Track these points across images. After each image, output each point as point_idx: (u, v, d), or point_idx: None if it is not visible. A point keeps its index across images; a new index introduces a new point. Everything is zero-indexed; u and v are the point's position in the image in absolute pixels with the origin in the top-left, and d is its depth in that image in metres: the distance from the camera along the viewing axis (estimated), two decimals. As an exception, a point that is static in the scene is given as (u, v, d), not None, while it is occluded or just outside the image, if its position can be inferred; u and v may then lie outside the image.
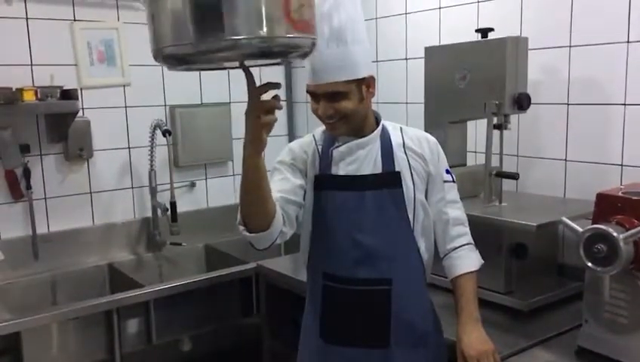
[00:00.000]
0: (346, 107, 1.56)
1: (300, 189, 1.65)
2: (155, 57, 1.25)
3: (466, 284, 1.65)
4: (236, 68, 1.30)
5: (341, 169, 1.65)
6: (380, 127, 1.68)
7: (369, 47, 1.63)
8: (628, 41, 2.03)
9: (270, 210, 1.48)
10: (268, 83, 1.29)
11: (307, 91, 1.62)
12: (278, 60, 1.34)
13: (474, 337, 1.57)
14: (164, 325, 2.47)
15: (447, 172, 1.73)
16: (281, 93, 3.53)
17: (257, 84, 1.30)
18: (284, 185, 1.62)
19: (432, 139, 1.73)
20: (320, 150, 1.68)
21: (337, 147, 1.66)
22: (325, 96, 1.56)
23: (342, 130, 1.62)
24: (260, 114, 1.29)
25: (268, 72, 1.49)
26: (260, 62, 1.33)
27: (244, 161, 1.39)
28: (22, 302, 2.56)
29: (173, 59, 1.23)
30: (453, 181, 1.74)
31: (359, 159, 1.64)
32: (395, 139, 1.68)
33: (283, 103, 3.51)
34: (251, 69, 1.31)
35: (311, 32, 1.24)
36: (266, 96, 1.30)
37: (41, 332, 2.21)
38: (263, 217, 1.48)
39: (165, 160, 2.96)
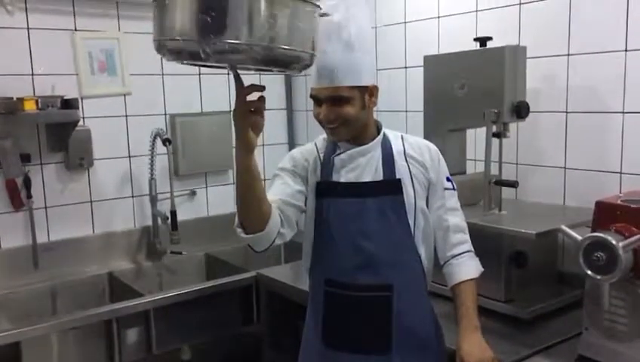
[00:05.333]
0: (348, 113, 1.58)
1: (300, 194, 1.66)
2: (158, 49, 1.28)
3: (466, 292, 1.65)
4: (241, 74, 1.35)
5: (342, 176, 1.66)
6: (380, 135, 1.69)
7: (374, 57, 1.65)
8: (626, 50, 2.04)
9: (265, 211, 1.50)
10: (252, 85, 1.35)
11: (311, 95, 1.63)
12: (280, 70, 1.38)
13: (474, 345, 1.57)
14: (164, 334, 2.47)
15: (448, 180, 1.74)
16: (281, 101, 3.57)
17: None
18: (285, 189, 1.64)
19: (433, 147, 1.74)
20: (321, 157, 1.70)
21: (338, 154, 1.67)
22: (328, 101, 1.58)
23: (342, 135, 1.63)
24: (245, 114, 1.34)
25: (268, 80, 1.51)
26: (261, 67, 1.37)
27: (236, 162, 1.43)
28: (22, 312, 2.55)
29: (176, 52, 1.26)
30: (454, 189, 1.75)
31: (360, 166, 1.66)
32: (396, 146, 1.69)
33: (284, 112, 3.53)
34: (251, 76, 1.34)
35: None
36: (252, 98, 1.36)
37: (40, 341, 2.21)
38: (258, 218, 1.50)
39: (165, 168, 2.97)
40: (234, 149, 1.43)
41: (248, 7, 1.18)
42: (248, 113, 1.35)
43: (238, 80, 1.35)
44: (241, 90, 1.35)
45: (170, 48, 1.25)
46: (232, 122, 1.38)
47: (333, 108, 1.58)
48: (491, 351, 1.57)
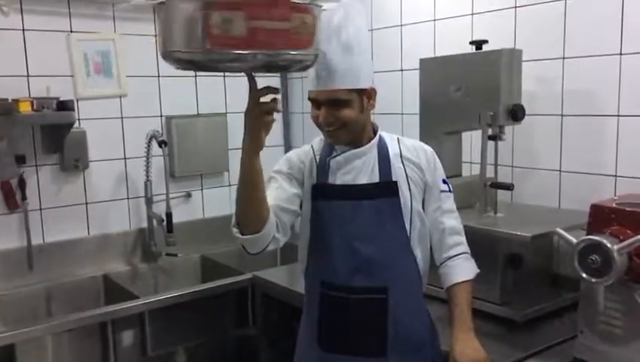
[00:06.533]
0: (348, 115, 1.58)
1: (295, 198, 1.66)
2: (164, 58, 1.30)
3: (461, 293, 1.66)
4: (238, 76, 1.38)
5: (338, 178, 1.66)
6: (376, 138, 1.69)
7: (371, 60, 1.66)
8: (621, 53, 2.05)
9: (264, 213, 1.51)
10: (268, 87, 1.37)
11: (309, 98, 1.63)
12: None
13: (467, 346, 1.57)
14: (159, 336, 2.46)
15: (444, 182, 1.74)
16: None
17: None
18: (280, 194, 1.64)
19: (429, 149, 1.74)
20: (317, 159, 1.70)
21: (335, 157, 1.67)
22: (327, 104, 1.58)
23: (341, 138, 1.64)
24: (259, 115, 1.36)
25: (264, 82, 1.51)
26: (260, 72, 1.38)
27: (242, 162, 1.44)
28: (16, 314, 2.55)
29: (183, 62, 1.28)
30: (450, 191, 1.75)
31: (356, 169, 1.66)
32: (392, 149, 1.69)
33: (279, 114, 3.53)
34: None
35: (234, 47, 1.24)
36: (265, 100, 1.38)
37: (35, 343, 2.20)
38: (256, 219, 1.50)
39: (161, 170, 2.96)
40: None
41: None
42: (261, 114, 1.36)
43: (252, 81, 1.37)
44: (256, 91, 1.37)
45: (176, 59, 1.27)
46: (244, 122, 1.39)
47: (331, 111, 1.58)
48: (484, 352, 1.57)
